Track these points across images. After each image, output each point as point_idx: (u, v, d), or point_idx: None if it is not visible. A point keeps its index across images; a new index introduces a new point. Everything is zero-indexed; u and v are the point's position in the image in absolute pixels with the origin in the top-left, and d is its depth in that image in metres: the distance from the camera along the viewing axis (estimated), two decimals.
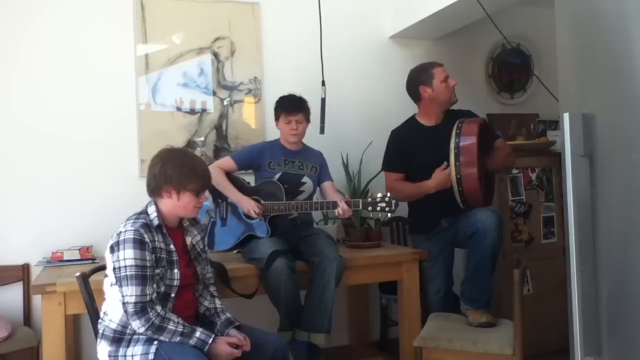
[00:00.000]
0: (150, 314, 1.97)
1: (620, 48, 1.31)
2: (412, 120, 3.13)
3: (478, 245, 2.74)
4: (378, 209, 2.68)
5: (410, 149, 3.01)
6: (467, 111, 3.09)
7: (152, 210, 2.13)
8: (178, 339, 2.00)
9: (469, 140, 2.72)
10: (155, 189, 2.13)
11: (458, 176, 2.73)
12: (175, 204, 2.12)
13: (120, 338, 2.04)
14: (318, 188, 3.05)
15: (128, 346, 2.02)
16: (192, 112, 3.41)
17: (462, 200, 2.80)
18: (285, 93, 3.04)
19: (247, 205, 2.78)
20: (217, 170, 2.82)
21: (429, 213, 3.01)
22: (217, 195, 2.89)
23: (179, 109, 3.39)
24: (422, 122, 3.08)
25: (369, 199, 2.71)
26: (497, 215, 2.79)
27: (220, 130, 3.47)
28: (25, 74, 3.12)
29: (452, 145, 2.73)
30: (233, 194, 2.84)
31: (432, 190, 2.88)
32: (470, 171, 2.71)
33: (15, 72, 3.10)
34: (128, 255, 1.97)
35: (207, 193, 2.32)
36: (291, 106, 2.94)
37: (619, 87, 1.32)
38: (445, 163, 2.81)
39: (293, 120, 2.92)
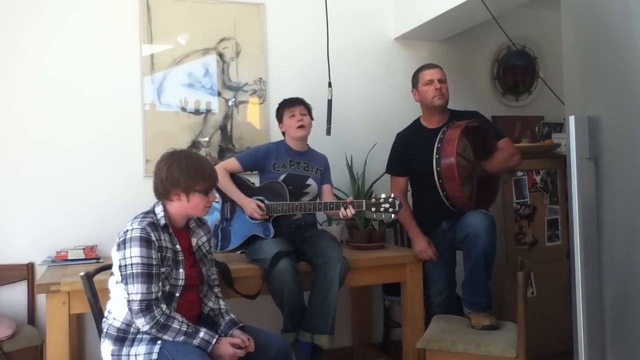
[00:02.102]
0: (155, 312, 1.97)
1: (626, 51, 1.31)
2: (416, 123, 3.15)
3: (471, 249, 2.75)
4: (382, 209, 2.67)
5: (412, 151, 3.02)
6: (472, 112, 3.09)
7: (159, 210, 2.13)
8: (182, 338, 2.00)
9: (449, 145, 2.76)
10: (163, 193, 2.13)
11: (440, 181, 2.76)
12: (185, 206, 2.13)
13: (123, 337, 2.04)
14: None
15: (132, 345, 2.02)
16: (196, 112, 3.42)
17: (450, 204, 2.81)
18: (290, 94, 3.07)
19: (250, 207, 2.79)
20: (221, 172, 2.82)
21: (430, 215, 3.02)
22: (221, 196, 2.90)
23: (183, 109, 3.39)
24: (424, 124, 3.09)
25: (373, 200, 2.71)
26: (489, 218, 2.78)
27: (225, 130, 3.48)
28: (31, 75, 3.13)
29: (434, 151, 2.77)
30: (236, 196, 2.85)
31: (412, 238, 3.02)
32: (450, 175, 2.74)
33: (21, 73, 3.11)
34: (134, 254, 1.98)
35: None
36: (292, 100, 2.99)
37: (624, 90, 1.31)
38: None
39: (296, 111, 2.93)
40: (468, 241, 2.76)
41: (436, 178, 2.77)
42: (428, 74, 3.01)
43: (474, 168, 2.95)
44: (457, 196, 2.78)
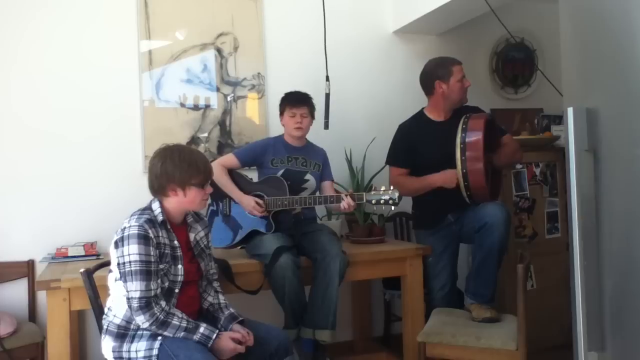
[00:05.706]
0: (155, 309, 1.98)
1: (624, 42, 1.30)
2: (420, 115, 3.13)
3: (485, 239, 2.74)
4: (382, 201, 2.68)
5: (417, 144, 3.02)
6: (474, 107, 3.09)
7: (156, 206, 2.13)
8: (182, 334, 2.01)
9: (475, 136, 2.73)
10: (159, 189, 2.13)
11: (464, 171, 2.73)
12: (182, 200, 2.13)
13: (124, 334, 2.05)
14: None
15: (132, 342, 2.03)
16: (195, 108, 3.42)
17: (468, 195, 2.80)
18: (289, 89, 3.05)
19: (248, 204, 2.78)
20: (218, 168, 2.82)
21: (435, 208, 3.01)
22: (220, 192, 2.89)
23: (182, 105, 3.39)
24: (430, 116, 3.08)
25: (372, 192, 2.71)
26: (506, 209, 2.79)
27: (223, 126, 3.47)
28: (31, 72, 3.12)
29: (458, 140, 2.74)
30: (234, 193, 2.84)
31: (436, 185, 2.89)
32: (476, 166, 2.70)
33: (21, 70, 3.11)
34: (132, 251, 1.98)
35: None
36: (297, 99, 2.95)
37: (622, 82, 1.31)
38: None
39: (298, 113, 2.92)
40: (484, 231, 2.74)
41: (460, 168, 2.73)
42: (460, 70, 3.00)
43: (488, 162, 2.95)
44: (479, 186, 2.74)
